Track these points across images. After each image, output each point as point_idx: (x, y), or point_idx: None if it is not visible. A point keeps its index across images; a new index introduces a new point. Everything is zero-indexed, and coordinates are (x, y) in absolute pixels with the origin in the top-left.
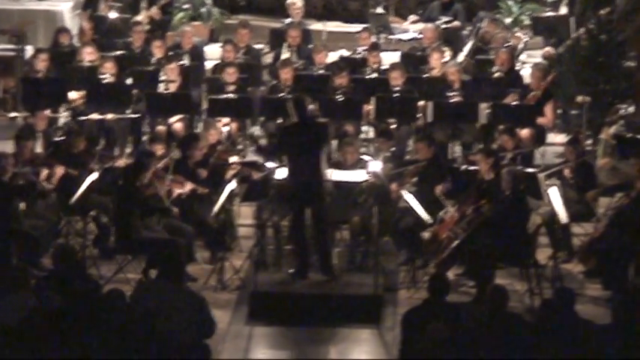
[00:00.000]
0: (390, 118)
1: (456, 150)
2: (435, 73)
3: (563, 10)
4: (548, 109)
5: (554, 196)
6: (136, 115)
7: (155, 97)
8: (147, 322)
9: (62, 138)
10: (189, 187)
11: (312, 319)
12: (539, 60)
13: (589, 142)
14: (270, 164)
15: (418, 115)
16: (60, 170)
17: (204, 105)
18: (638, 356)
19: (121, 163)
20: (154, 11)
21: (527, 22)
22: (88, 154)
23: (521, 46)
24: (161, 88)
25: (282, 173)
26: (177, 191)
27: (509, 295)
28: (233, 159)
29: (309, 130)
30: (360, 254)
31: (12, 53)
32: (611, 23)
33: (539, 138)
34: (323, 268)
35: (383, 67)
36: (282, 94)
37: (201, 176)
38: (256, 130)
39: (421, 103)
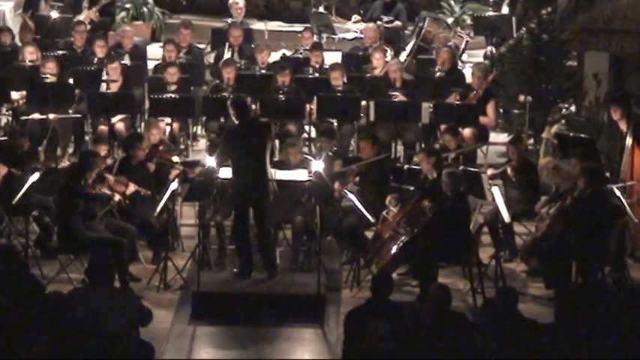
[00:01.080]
0: (333, 118)
1: (398, 149)
2: (377, 72)
3: (505, 9)
4: (490, 108)
5: (497, 195)
6: (78, 115)
7: (97, 96)
8: (89, 323)
9: (4, 138)
10: (132, 187)
11: (256, 319)
12: (480, 60)
13: (531, 141)
14: (212, 163)
15: (361, 115)
16: (3, 170)
17: (146, 105)
18: (580, 355)
19: (64, 163)
20: (92, 13)
21: (468, 21)
22: (31, 154)
23: (462, 45)
24: (103, 87)
25: (225, 173)
26: (119, 192)
27: (452, 294)
28: (175, 159)
29: (252, 130)
30: (303, 254)
31: None
32: (553, 23)
33: (481, 137)
34: (266, 267)
35: (325, 67)
36: (224, 94)
37: (144, 176)
38: (198, 130)
39: (363, 102)
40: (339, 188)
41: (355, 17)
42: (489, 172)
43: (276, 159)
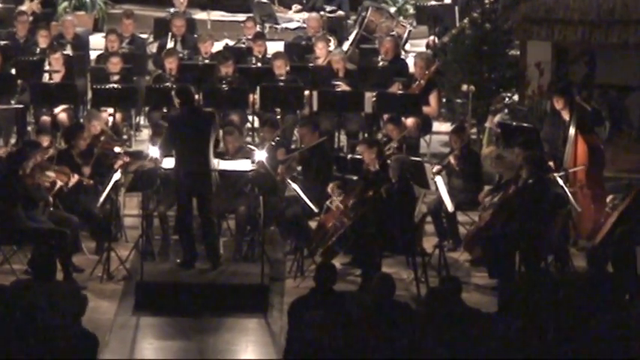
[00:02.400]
0: (276, 108)
1: (341, 139)
2: (320, 62)
3: None
4: (432, 98)
5: (440, 184)
6: (21, 106)
7: (39, 87)
8: (31, 316)
9: None
10: (74, 179)
11: (199, 309)
12: (423, 49)
13: (474, 130)
14: (155, 153)
15: (304, 104)
16: None
17: (89, 95)
18: (524, 343)
19: (2, 152)
20: (35, 4)
21: (411, 11)
22: None
23: (405, 35)
24: (45, 78)
25: (168, 163)
26: (60, 183)
27: (395, 284)
28: (117, 149)
29: (196, 119)
30: (246, 244)
31: None
32: (496, 12)
33: (424, 127)
34: (209, 257)
35: (268, 57)
36: (167, 84)
37: (85, 167)
38: (141, 120)
39: (306, 92)
40: (282, 171)
41: (296, 6)
42: (435, 168)
43: (220, 149)
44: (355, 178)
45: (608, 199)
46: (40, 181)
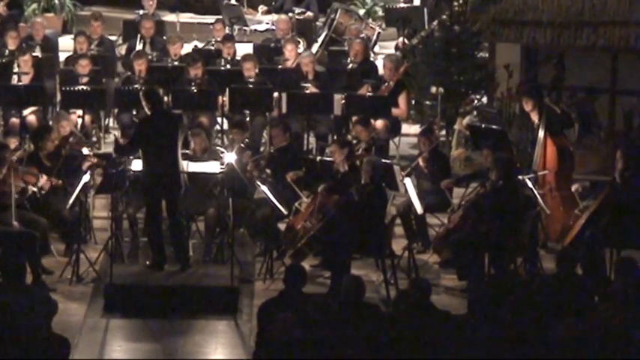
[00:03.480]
0: (245, 110)
1: (310, 141)
2: (289, 64)
3: (417, 1)
4: (401, 99)
5: (409, 186)
6: None
7: (8, 89)
8: (1, 318)
9: None
10: (43, 180)
11: (169, 311)
12: (392, 51)
13: (443, 132)
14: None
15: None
16: None
17: (58, 97)
18: (493, 345)
19: None
20: (0, 7)
21: (380, 13)
22: None
23: (374, 37)
24: (14, 80)
25: (137, 165)
26: (31, 187)
27: (365, 286)
28: (85, 151)
29: (163, 121)
30: (216, 246)
31: None
32: (464, 14)
33: (393, 129)
34: (179, 259)
35: (237, 59)
36: (136, 86)
37: (54, 168)
38: (110, 122)
39: (275, 94)
40: (251, 168)
41: (262, 7)
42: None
43: (187, 151)
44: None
45: (574, 188)
46: (12, 184)
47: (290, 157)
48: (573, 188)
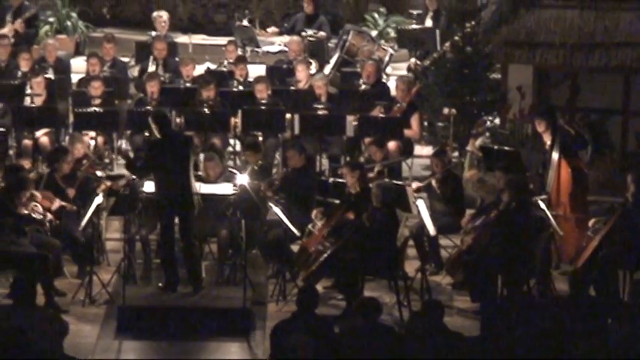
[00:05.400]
0: (257, 131)
1: (323, 163)
2: (302, 85)
3: (429, 22)
4: (414, 121)
5: (422, 208)
6: (2, 129)
7: (21, 110)
8: (12, 340)
9: None
10: (57, 203)
11: (182, 333)
12: (404, 72)
13: (455, 154)
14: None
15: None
16: None
17: (71, 118)
18: None
19: None
20: (18, 24)
21: (392, 34)
22: None
23: (387, 58)
24: (27, 101)
25: (149, 187)
26: (46, 213)
27: (382, 307)
28: (99, 173)
29: (174, 143)
30: (228, 267)
31: None
32: (477, 36)
33: (406, 150)
34: (191, 281)
35: (249, 80)
36: (148, 108)
37: (68, 191)
38: (123, 144)
39: (288, 115)
40: (265, 188)
41: (272, 29)
42: (414, 185)
43: (200, 173)
44: (337, 201)
45: (591, 222)
46: (32, 209)
47: (303, 179)
48: (590, 223)
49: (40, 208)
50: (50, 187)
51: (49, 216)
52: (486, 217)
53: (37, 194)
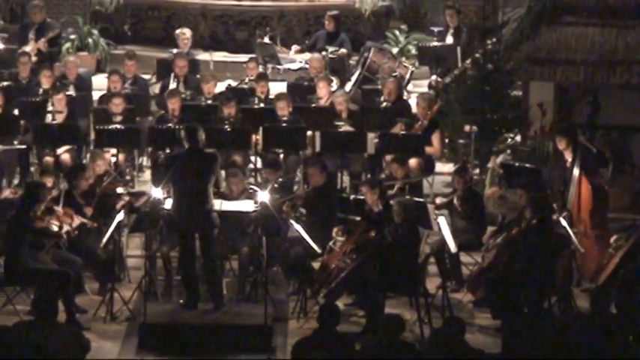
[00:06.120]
0: (278, 148)
1: (344, 180)
2: (323, 102)
3: (450, 39)
4: (435, 138)
5: (443, 225)
6: (24, 146)
7: (42, 127)
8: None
9: None
10: (77, 220)
11: (203, 350)
12: (425, 90)
13: (477, 171)
14: (158, 194)
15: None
16: None
17: (92, 135)
18: None
19: (8, 194)
20: (42, 43)
21: (413, 51)
22: None
23: (408, 75)
24: (48, 118)
25: (170, 204)
26: (66, 227)
27: (405, 324)
28: (120, 190)
29: (197, 159)
30: (249, 284)
31: None
32: (498, 53)
33: (427, 167)
34: (213, 298)
35: (271, 97)
36: (169, 125)
37: (87, 207)
38: (144, 161)
39: (309, 132)
40: (287, 208)
41: (295, 47)
42: (438, 200)
43: (221, 190)
44: (358, 218)
45: (612, 239)
46: (49, 222)
47: (325, 196)
48: (612, 240)
49: (57, 222)
50: (69, 204)
51: (66, 227)
52: (508, 234)
53: (59, 210)
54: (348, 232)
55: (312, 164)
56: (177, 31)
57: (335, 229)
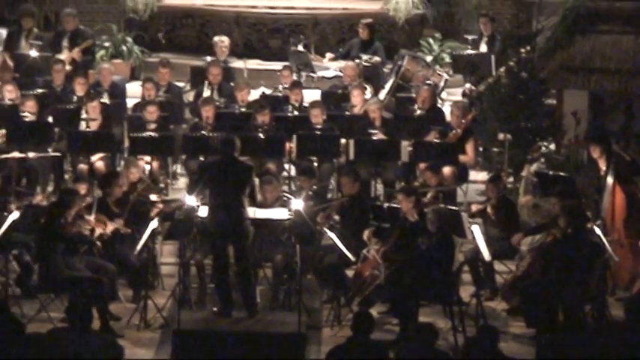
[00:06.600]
0: (312, 156)
1: (378, 188)
2: (357, 110)
3: (484, 48)
4: (469, 146)
5: (477, 233)
6: (58, 154)
7: (77, 135)
8: None
9: None
10: (111, 227)
11: (236, 358)
12: (459, 98)
13: (511, 179)
14: (192, 202)
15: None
16: None
17: (126, 143)
18: None
19: (43, 201)
20: (76, 53)
21: (447, 59)
22: (3, 191)
23: (442, 83)
24: (82, 126)
25: (204, 211)
26: (99, 231)
27: (438, 333)
28: (154, 197)
29: (232, 168)
30: (283, 292)
31: None
32: (532, 61)
33: (461, 176)
34: (246, 306)
35: (305, 105)
36: (203, 132)
37: (115, 221)
38: (178, 169)
39: (343, 140)
40: (322, 219)
41: (329, 55)
42: (474, 207)
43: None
44: (388, 225)
45: None
46: (81, 228)
47: (358, 204)
48: None
49: (89, 227)
50: (103, 212)
51: (99, 230)
52: (541, 243)
53: (90, 219)
54: (381, 238)
55: (345, 173)
56: (216, 39)
57: (366, 232)
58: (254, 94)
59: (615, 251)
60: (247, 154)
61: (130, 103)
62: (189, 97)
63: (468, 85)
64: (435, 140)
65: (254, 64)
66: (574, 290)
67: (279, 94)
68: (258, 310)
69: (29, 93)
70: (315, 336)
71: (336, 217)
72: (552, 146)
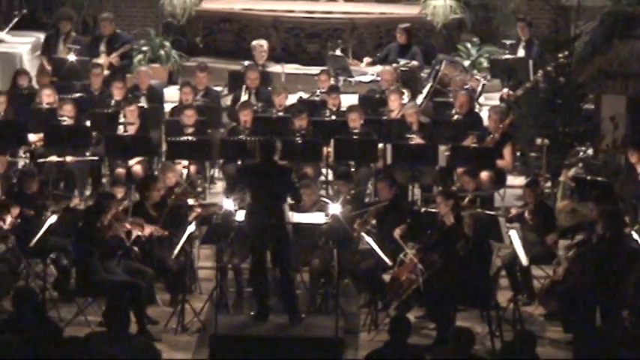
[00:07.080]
0: (350, 160)
1: (415, 192)
2: (394, 115)
3: (521, 52)
4: (507, 151)
5: (515, 238)
6: (95, 158)
7: (114, 139)
8: None
9: (15, 180)
10: (148, 229)
11: None
12: (497, 102)
13: (548, 184)
14: (229, 206)
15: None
16: (15, 211)
17: (164, 147)
18: None
19: (80, 204)
20: (113, 58)
21: (485, 64)
22: (41, 195)
23: (479, 88)
24: (120, 130)
25: (242, 215)
26: (136, 233)
27: (475, 338)
28: (191, 201)
29: (270, 172)
30: (320, 297)
31: None
32: (570, 66)
33: (498, 180)
34: (289, 313)
35: (342, 110)
36: (241, 137)
37: (157, 218)
38: (215, 173)
39: (380, 145)
40: (359, 226)
41: (367, 59)
42: (513, 210)
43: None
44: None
45: None
46: (117, 232)
47: (395, 209)
48: None
49: (126, 229)
50: (140, 216)
51: (136, 233)
52: (578, 247)
53: (126, 224)
54: (413, 237)
55: (381, 179)
56: (254, 43)
57: (398, 231)
58: (291, 99)
59: None
60: (285, 158)
61: (168, 107)
62: (227, 101)
63: (505, 90)
64: (473, 145)
65: (292, 68)
66: (612, 295)
67: (317, 99)
68: (301, 317)
69: (67, 97)
70: (352, 340)
71: (373, 222)
72: (590, 151)
